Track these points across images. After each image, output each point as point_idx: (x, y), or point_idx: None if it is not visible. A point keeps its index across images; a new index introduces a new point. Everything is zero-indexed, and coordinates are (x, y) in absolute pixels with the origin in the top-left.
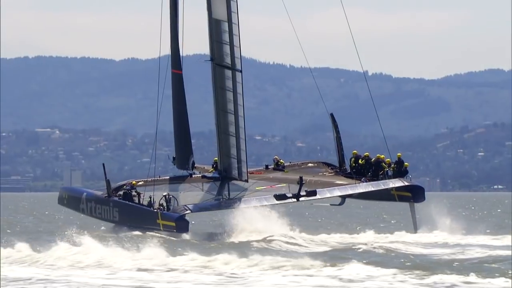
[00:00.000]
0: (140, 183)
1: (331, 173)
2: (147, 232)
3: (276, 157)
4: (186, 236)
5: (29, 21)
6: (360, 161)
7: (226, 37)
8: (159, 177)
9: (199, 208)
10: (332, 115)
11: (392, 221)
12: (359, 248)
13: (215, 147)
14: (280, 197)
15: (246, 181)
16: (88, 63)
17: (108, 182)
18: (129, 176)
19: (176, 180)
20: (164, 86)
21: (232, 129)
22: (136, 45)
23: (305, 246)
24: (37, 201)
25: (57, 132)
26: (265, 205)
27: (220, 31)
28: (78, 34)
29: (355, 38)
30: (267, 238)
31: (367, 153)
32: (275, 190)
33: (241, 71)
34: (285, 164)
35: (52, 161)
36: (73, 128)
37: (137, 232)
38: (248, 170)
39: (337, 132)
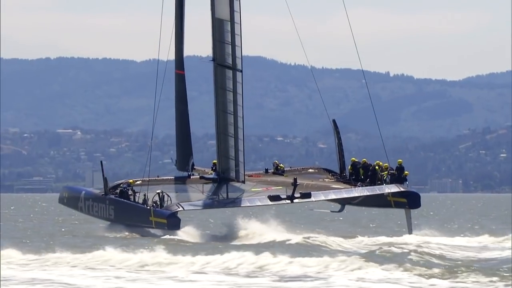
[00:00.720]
0: (138, 182)
1: (331, 179)
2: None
3: (276, 161)
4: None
5: (50, 22)
6: (360, 170)
7: (228, 36)
8: (158, 176)
9: (192, 206)
10: (334, 121)
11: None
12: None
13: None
14: (274, 198)
15: (243, 182)
16: (109, 64)
17: (105, 180)
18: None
19: (174, 180)
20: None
21: (231, 130)
22: (157, 46)
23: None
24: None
25: (79, 133)
26: (259, 206)
27: (223, 30)
28: (99, 35)
29: (376, 39)
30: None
31: (364, 159)
32: (271, 192)
33: (241, 71)
34: (285, 169)
35: (74, 162)
36: (95, 129)
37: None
38: (248, 173)
39: (339, 138)
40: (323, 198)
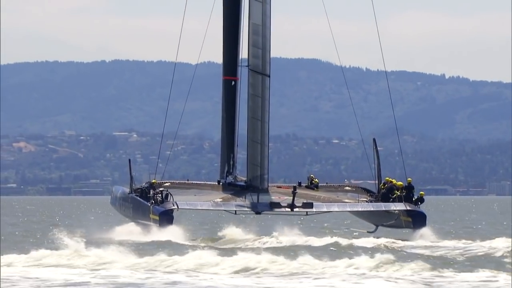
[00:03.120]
0: (166, 184)
1: (367, 199)
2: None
3: (312, 175)
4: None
5: (105, 26)
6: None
7: (259, 41)
8: (187, 180)
9: (188, 205)
10: (374, 140)
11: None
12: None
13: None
14: (275, 205)
15: (266, 189)
16: (164, 67)
17: (131, 179)
18: (206, 180)
19: (200, 185)
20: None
21: (259, 136)
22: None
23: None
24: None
25: (135, 135)
26: (261, 213)
27: (256, 35)
28: (154, 38)
29: (432, 41)
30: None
31: (393, 179)
32: (282, 202)
33: (269, 76)
34: (319, 184)
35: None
36: (150, 131)
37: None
38: (278, 184)
39: (378, 158)
40: (325, 209)
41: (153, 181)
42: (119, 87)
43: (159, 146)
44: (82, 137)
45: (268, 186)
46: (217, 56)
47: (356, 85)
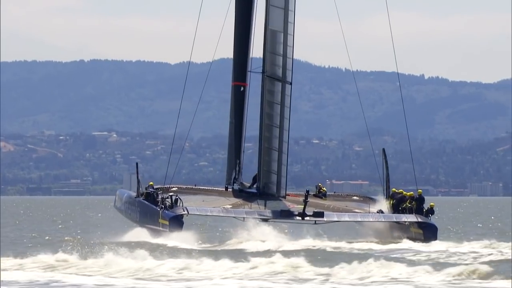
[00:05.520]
0: (174, 188)
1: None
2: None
3: (320, 184)
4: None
5: (84, 26)
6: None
7: (280, 48)
8: (195, 185)
9: (198, 211)
10: (383, 150)
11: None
12: None
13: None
14: (286, 213)
15: (284, 197)
16: (143, 66)
17: (138, 183)
18: (187, 180)
19: (207, 191)
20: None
21: (275, 143)
22: (190, 48)
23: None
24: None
25: (114, 135)
26: (269, 221)
27: (275, 42)
28: (133, 38)
29: (411, 41)
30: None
31: (401, 190)
32: (293, 210)
33: (291, 84)
34: (327, 193)
35: (110, 164)
36: (130, 131)
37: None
38: (287, 192)
39: (387, 168)
40: (335, 219)
41: (150, 183)
42: (98, 86)
43: (140, 146)
44: (61, 137)
45: (285, 194)
46: (194, 56)
47: (335, 85)
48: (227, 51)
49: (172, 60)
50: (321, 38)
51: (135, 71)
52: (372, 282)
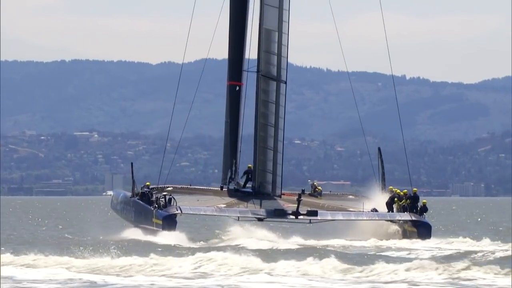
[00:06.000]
0: (169, 188)
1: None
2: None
3: (315, 183)
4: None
5: (65, 25)
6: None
7: (275, 47)
8: (190, 185)
9: (191, 210)
10: (379, 149)
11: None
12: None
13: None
14: (280, 212)
15: (280, 196)
16: (124, 67)
17: (133, 183)
18: (168, 179)
19: (203, 190)
20: (196, 90)
21: (271, 143)
22: (172, 49)
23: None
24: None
25: (96, 135)
26: (263, 220)
27: (270, 41)
28: (114, 38)
29: (393, 42)
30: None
31: (397, 189)
32: (287, 209)
33: (285, 83)
34: (322, 192)
35: (91, 164)
36: (111, 131)
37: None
38: (283, 191)
39: (383, 167)
40: (329, 218)
41: (147, 183)
42: (79, 87)
43: (121, 146)
44: (42, 137)
45: (281, 193)
46: (176, 56)
47: (317, 85)
48: (212, 51)
49: (153, 61)
50: (302, 38)
51: (116, 71)
52: (369, 281)
